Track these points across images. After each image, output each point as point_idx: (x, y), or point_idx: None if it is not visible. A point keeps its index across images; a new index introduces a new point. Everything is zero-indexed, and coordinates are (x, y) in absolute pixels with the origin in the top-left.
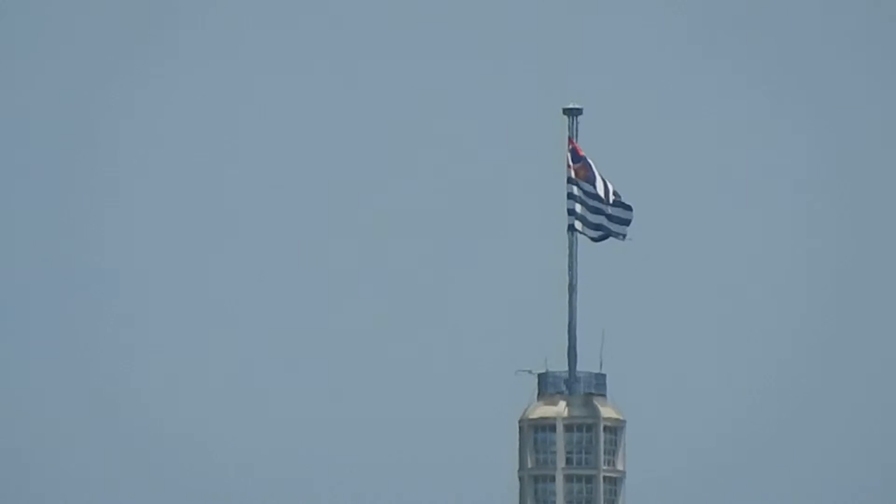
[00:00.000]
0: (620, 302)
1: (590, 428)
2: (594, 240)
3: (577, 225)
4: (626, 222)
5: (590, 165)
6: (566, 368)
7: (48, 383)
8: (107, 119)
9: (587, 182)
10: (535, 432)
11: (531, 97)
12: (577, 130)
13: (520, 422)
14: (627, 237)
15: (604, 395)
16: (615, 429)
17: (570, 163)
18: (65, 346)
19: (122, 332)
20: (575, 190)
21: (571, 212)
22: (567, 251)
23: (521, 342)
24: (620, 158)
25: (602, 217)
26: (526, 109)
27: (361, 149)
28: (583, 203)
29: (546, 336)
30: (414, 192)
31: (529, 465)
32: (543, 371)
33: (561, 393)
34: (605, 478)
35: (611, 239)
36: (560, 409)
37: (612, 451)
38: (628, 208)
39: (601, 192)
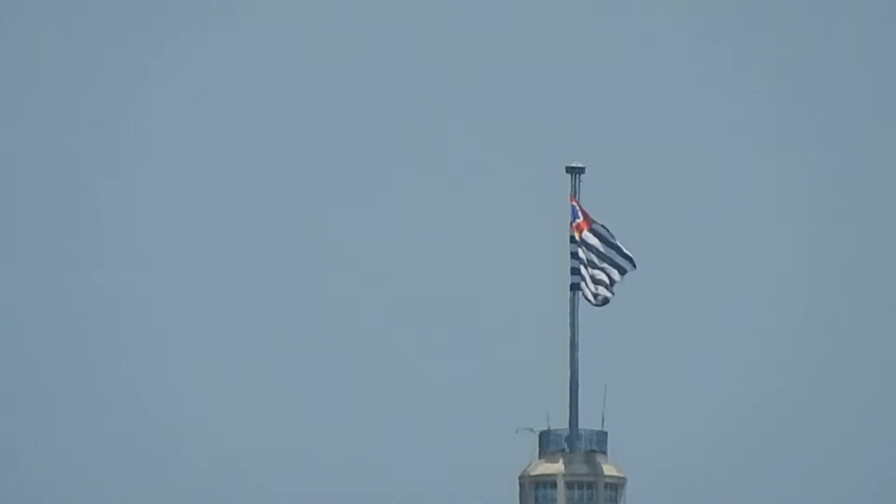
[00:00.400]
0: (622, 359)
1: (591, 485)
2: (595, 305)
3: (581, 285)
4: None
5: (602, 235)
6: (567, 425)
7: (48, 383)
8: (107, 119)
9: (590, 249)
10: (535, 489)
11: (534, 155)
12: (579, 189)
13: (520, 478)
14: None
15: (605, 453)
16: (616, 486)
17: (573, 221)
18: (65, 346)
19: (122, 332)
20: (580, 252)
21: (575, 271)
22: (569, 309)
23: (522, 399)
24: (623, 217)
25: (603, 288)
26: (529, 168)
27: (361, 207)
28: (585, 266)
29: (548, 393)
30: (414, 250)
31: None
32: (545, 429)
33: (562, 450)
34: None
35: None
36: (561, 466)
37: None
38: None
39: (612, 264)
